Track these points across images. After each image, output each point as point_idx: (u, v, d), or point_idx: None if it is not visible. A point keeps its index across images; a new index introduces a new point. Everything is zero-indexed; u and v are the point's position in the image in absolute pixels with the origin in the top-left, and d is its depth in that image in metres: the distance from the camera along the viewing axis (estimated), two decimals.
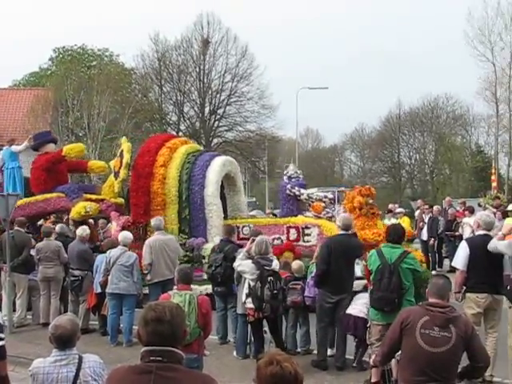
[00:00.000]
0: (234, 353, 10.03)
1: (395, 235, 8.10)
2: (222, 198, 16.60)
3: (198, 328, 6.69)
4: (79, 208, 15.79)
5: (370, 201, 14.14)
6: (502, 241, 8.31)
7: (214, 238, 14.99)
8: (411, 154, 64.37)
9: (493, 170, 29.58)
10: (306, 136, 78.22)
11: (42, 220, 16.76)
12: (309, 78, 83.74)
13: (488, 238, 8.56)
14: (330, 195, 15.78)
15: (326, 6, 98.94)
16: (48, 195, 16.63)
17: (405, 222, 18.02)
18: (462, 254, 8.62)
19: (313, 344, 9.97)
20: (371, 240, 13.18)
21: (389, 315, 7.41)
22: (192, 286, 7.42)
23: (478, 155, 56.49)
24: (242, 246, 10.29)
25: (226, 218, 16.37)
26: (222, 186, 16.57)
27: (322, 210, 15.53)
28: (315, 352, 9.72)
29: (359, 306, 8.78)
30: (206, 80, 51.48)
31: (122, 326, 11.35)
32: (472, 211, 17.10)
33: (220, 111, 52.14)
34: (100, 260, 11.53)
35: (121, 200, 16.76)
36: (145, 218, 15.37)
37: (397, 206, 23.30)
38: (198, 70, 51.48)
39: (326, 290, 9.08)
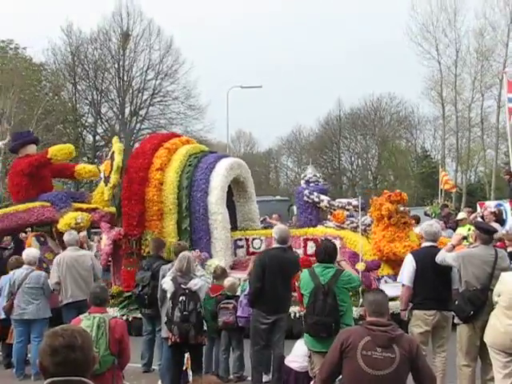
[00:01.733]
0: (159, 382, 9.45)
1: (326, 254, 7.80)
2: (231, 206, 15.42)
3: (111, 355, 6.36)
4: (69, 219, 14.37)
5: (401, 208, 13.33)
6: (450, 253, 8.27)
7: (219, 252, 14.05)
8: (353, 159, 62.93)
9: (440, 176, 27.92)
10: (238, 140, 74.56)
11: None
12: (242, 76, 78.41)
13: (435, 250, 8.47)
14: (355, 202, 14.18)
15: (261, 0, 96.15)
16: (30, 204, 15.07)
17: None
18: (408, 268, 8.47)
19: (247, 369, 9.63)
20: (402, 255, 12.00)
21: (328, 341, 6.88)
22: None
23: (424, 160, 56.29)
24: (171, 261, 9.76)
25: (234, 229, 15.31)
26: (229, 193, 15.40)
27: (344, 219, 14.44)
28: (249, 379, 9.44)
29: (300, 359, 8.25)
30: (126, 77, 48.66)
31: (29, 356, 10.61)
32: (418, 221, 16.31)
33: (142, 112, 49.50)
34: (4, 282, 10.69)
35: (113, 209, 15.10)
36: (138, 229, 14.09)
37: None
38: (117, 66, 48.42)
39: (260, 309, 8.79)
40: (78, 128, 47.00)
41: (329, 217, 14.85)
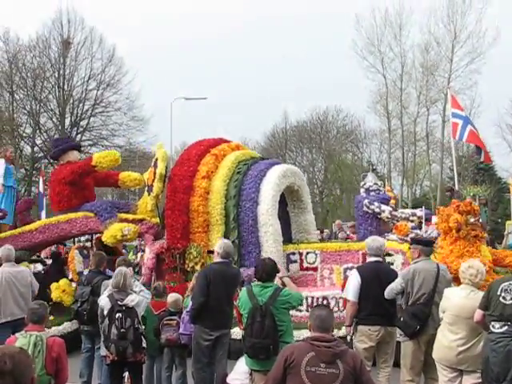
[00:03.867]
0: None
1: (263, 272, 7.65)
2: (284, 217, 14.52)
3: (47, 375, 6.19)
4: (114, 230, 13.66)
5: (472, 219, 12.17)
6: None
7: None
8: None
9: (386, 189, 27.62)
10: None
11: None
12: (187, 88, 77.14)
13: (380, 265, 8.73)
14: (419, 212, 12.96)
15: (207, 6, 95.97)
16: (73, 215, 14.46)
17: None
18: (353, 283, 8.57)
19: None
20: None
21: (268, 361, 7.06)
22: None
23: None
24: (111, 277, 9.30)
25: (288, 241, 14.33)
26: (283, 203, 14.47)
27: (408, 232, 13.46)
28: None
29: (242, 376, 7.99)
30: (66, 87, 46.76)
31: None
32: None
33: (83, 123, 47.56)
34: None
35: (158, 220, 14.10)
36: (182, 242, 13.40)
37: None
38: (57, 75, 46.59)
39: (203, 325, 8.64)
40: (16, 139, 44.91)
41: (391, 229, 13.90)
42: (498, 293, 7.04)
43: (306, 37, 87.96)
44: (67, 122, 46.78)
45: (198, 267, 12.77)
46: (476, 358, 7.32)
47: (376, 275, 8.45)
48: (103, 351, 8.70)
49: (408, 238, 13.08)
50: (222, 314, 8.59)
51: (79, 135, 47.00)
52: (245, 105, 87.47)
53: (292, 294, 7.61)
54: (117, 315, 8.15)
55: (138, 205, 15.16)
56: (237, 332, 10.35)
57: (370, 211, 13.83)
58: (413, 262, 8.78)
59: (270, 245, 13.16)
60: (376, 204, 13.79)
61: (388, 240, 13.10)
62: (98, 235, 14.64)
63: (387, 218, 13.79)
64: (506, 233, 21.99)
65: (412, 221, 13.57)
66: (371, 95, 49.02)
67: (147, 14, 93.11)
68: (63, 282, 13.25)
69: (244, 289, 7.81)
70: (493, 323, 7.00)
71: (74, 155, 15.40)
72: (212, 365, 8.76)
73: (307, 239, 14.63)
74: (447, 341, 7.52)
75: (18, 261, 13.96)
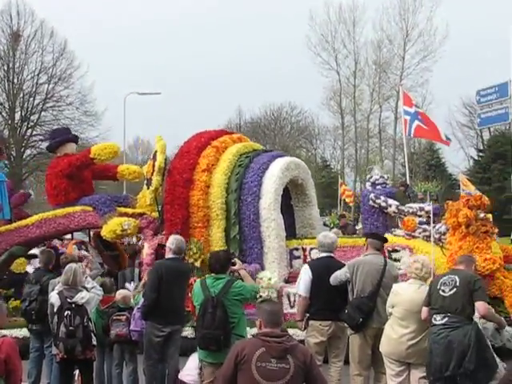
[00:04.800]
0: None
1: (217, 264, 7.77)
2: (288, 211, 14.12)
3: None
4: (114, 225, 13.36)
5: (482, 215, 11.88)
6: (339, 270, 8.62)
7: (273, 263, 12.70)
8: None
9: (341, 188, 29.50)
10: (136, 147, 73.42)
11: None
12: (141, 83, 76.63)
13: (331, 261, 8.82)
14: (427, 207, 12.75)
15: (160, 3, 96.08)
16: (70, 209, 14.05)
17: None
18: (304, 278, 8.72)
19: None
20: (483, 269, 11.16)
21: (220, 353, 7.19)
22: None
23: (324, 170, 57.18)
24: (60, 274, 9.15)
25: (292, 237, 13.79)
26: (287, 197, 14.04)
27: (415, 227, 12.99)
28: None
29: (194, 371, 8.11)
30: (16, 80, 45.81)
31: None
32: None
33: (34, 117, 46.69)
34: None
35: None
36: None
37: None
38: (6, 68, 45.49)
39: (155, 321, 8.60)
40: None
41: (398, 224, 13.49)
42: (438, 287, 7.30)
43: (260, 32, 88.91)
44: (17, 116, 46.14)
45: (197, 263, 12.40)
46: (423, 351, 7.47)
47: (327, 271, 8.56)
48: (54, 349, 8.59)
49: (416, 234, 12.78)
50: (174, 310, 8.60)
51: (30, 130, 46.63)
52: (199, 100, 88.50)
53: (245, 286, 7.68)
54: (66, 313, 8.14)
55: (137, 198, 14.74)
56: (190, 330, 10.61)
57: (376, 205, 13.38)
58: (362, 255, 8.93)
59: (273, 240, 12.75)
60: (382, 198, 13.31)
61: (395, 235, 12.88)
62: (96, 230, 14.35)
63: (394, 212, 13.33)
64: None
65: (420, 216, 13.04)
66: (325, 92, 50.13)
67: (100, 8, 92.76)
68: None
69: (198, 281, 7.88)
70: (434, 316, 7.23)
71: (71, 147, 15.01)
72: (164, 361, 8.77)
73: (311, 234, 14.02)
74: (397, 335, 7.65)
75: (14, 257, 13.74)
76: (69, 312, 8.15)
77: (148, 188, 13.60)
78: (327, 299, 8.48)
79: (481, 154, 49.33)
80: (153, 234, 13.44)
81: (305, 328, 8.70)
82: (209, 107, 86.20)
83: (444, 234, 12.38)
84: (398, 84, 39.42)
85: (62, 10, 78.95)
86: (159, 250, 12.70)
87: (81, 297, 8.28)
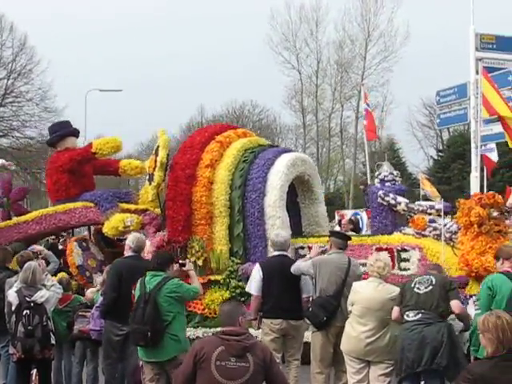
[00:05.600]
0: None
1: (156, 261, 7.96)
2: (293, 208, 13.80)
3: None
4: (116, 221, 13.15)
5: (495, 213, 11.44)
6: (304, 262, 8.82)
7: None
8: None
9: None
10: None
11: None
12: (103, 80, 75.75)
13: (284, 259, 8.97)
14: (438, 205, 12.74)
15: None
16: (71, 205, 13.87)
17: None
18: (255, 277, 8.92)
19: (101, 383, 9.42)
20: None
21: (153, 352, 7.48)
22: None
23: None
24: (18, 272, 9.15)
25: (298, 234, 13.44)
26: (292, 194, 13.74)
27: (425, 226, 12.63)
28: None
29: None
30: None
31: None
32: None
33: None
34: None
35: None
36: (184, 235, 12.62)
37: None
38: None
39: (114, 320, 8.62)
40: None
41: (407, 222, 13.22)
42: (413, 285, 7.41)
43: (222, 30, 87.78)
44: None
45: (200, 262, 12.19)
46: (383, 349, 7.62)
47: (279, 270, 8.72)
48: (11, 349, 8.52)
49: (426, 233, 12.47)
50: None
51: None
52: (161, 97, 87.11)
53: (183, 285, 7.75)
54: (24, 312, 8.10)
55: (140, 194, 14.63)
56: None
57: (384, 203, 13.02)
58: (326, 254, 8.97)
59: None
60: (391, 195, 12.94)
61: (404, 234, 12.60)
62: (97, 226, 14.09)
63: (403, 210, 12.98)
64: None
65: (430, 214, 12.77)
66: (286, 90, 50.39)
67: (62, 3, 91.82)
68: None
69: (140, 279, 7.90)
70: (407, 313, 7.30)
71: (72, 141, 14.83)
72: (124, 360, 8.74)
73: (318, 232, 13.80)
74: (356, 332, 7.75)
75: (13, 253, 13.49)
76: (27, 311, 8.12)
77: (150, 183, 13.34)
78: (278, 298, 8.62)
79: (440, 153, 49.91)
80: (155, 230, 13.15)
81: (259, 327, 8.86)
82: (171, 104, 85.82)
83: (455, 233, 11.98)
84: (359, 84, 39.94)
85: (22, 5, 78.67)
86: (161, 247, 12.50)
87: (40, 295, 8.24)
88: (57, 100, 47.18)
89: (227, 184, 12.76)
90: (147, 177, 13.90)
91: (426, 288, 7.32)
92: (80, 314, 9.37)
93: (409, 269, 11.89)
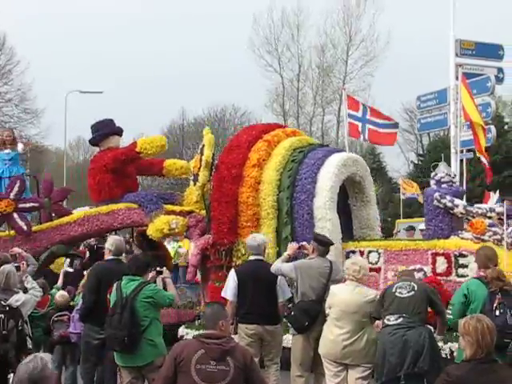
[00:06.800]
0: None
1: (133, 266, 8.03)
2: (345, 211, 13.28)
3: None
4: (161, 224, 12.81)
5: None
6: (286, 263, 8.81)
7: None
8: None
9: None
10: (77, 147, 71.59)
11: None
12: (84, 81, 74.01)
13: (259, 263, 9.00)
14: (499, 208, 11.97)
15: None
16: (114, 206, 13.55)
17: (185, 245, 18.79)
18: (230, 283, 8.94)
19: None
20: None
21: (129, 357, 7.56)
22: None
23: None
24: None
25: (349, 238, 12.92)
26: (343, 195, 13.25)
27: (485, 230, 11.90)
28: None
29: None
30: None
31: None
32: None
33: None
34: None
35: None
36: (229, 238, 12.26)
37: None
38: None
39: (93, 323, 8.65)
40: None
41: (466, 226, 12.50)
42: (394, 290, 7.57)
43: (204, 33, 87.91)
44: None
45: None
46: (359, 352, 7.74)
47: (254, 275, 8.73)
48: None
49: (486, 237, 11.81)
50: None
51: None
52: (142, 100, 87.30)
53: (159, 291, 7.84)
54: None
55: (184, 196, 14.27)
56: None
57: (441, 206, 12.35)
58: (307, 258, 9.02)
59: None
60: (448, 198, 12.23)
61: (462, 239, 11.96)
62: (140, 228, 13.75)
63: (461, 213, 12.27)
64: (395, 231, 23.41)
65: (490, 217, 12.11)
66: (268, 94, 50.83)
67: (43, 3, 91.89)
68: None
69: (116, 283, 7.93)
70: (388, 317, 7.42)
71: (115, 140, 14.42)
72: (102, 364, 8.77)
73: (370, 235, 13.31)
74: (333, 335, 7.86)
75: (54, 256, 13.31)
76: (2, 316, 8.01)
77: (195, 184, 13.10)
78: (253, 303, 8.65)
79: (421, 158, 50.06)
80: (199, 233, 12.89)
81: (235, 332, 8.81)
82: (152, 107, 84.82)
83: None
84: (340, 88, 40.09)
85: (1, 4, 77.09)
86: (205, 250, 12.25)
87: (15, 299, 8.15)
88: (37, 101, 47.27)
89: (275, 184, 12.36)
90: (192, 177, 13.64)
91: (408, 292, 7.48)
92: (56, 319, 9.46)
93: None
